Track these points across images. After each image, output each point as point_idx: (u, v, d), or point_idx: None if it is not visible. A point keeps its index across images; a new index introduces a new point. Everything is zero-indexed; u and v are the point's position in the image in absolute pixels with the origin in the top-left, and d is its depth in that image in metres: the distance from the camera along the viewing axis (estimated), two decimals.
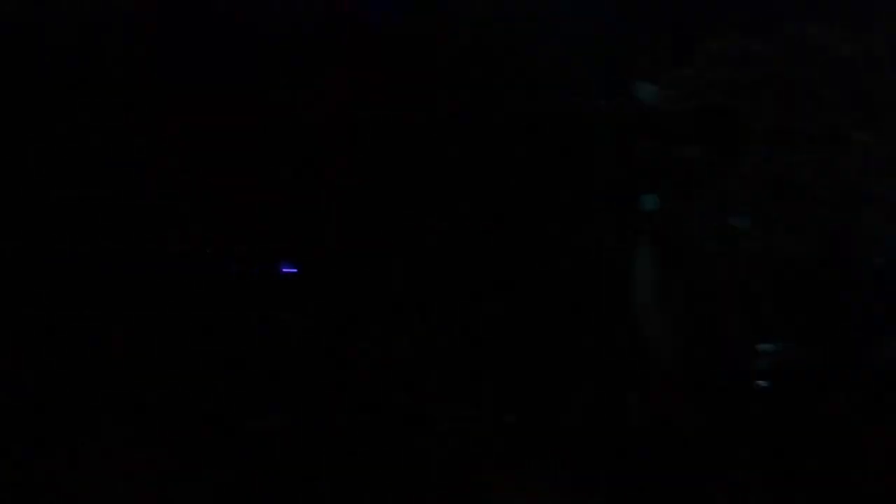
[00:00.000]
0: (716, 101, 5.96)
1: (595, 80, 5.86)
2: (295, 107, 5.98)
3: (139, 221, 5.97)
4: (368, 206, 5.95)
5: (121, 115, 5.93)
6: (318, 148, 5.96)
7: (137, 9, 5.88)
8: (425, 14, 5.93)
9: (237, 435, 5.08)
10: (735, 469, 5.29)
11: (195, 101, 6.01)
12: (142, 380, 5.33)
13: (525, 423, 5.55)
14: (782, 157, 5.95)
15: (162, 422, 5.16)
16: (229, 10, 5.95)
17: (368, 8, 5.89)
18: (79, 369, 5.29)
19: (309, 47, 5.89)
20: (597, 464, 5.40)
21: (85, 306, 5.75)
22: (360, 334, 5.64)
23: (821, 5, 5.85)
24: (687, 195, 6.00)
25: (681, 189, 5.99)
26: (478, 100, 6.00)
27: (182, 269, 5.89)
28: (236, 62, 5.96)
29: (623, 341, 6.00)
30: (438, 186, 6.02)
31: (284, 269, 5.95)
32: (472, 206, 5.99)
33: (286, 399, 5.27)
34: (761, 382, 5.30)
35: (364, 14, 5.91)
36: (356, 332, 5.66)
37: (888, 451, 5.07)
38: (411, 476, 5.21)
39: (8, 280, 5.83)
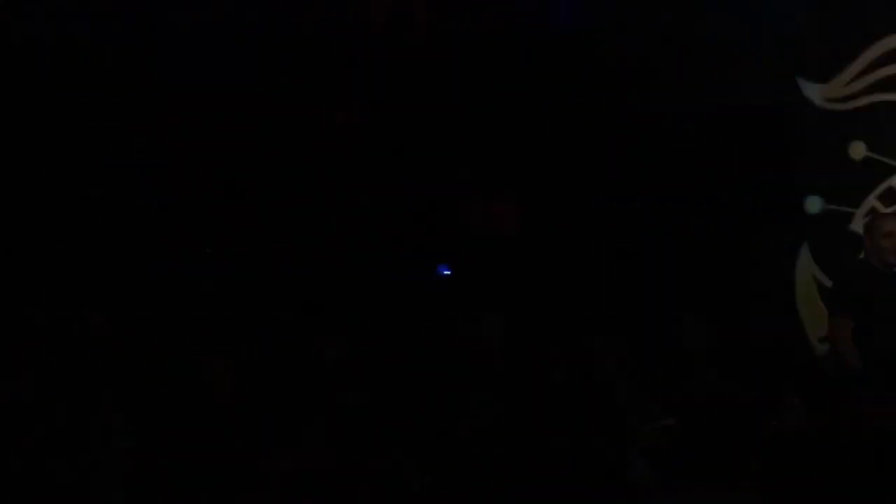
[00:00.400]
0: (883, 99, 5.87)
1: (762, 78, 5.76)
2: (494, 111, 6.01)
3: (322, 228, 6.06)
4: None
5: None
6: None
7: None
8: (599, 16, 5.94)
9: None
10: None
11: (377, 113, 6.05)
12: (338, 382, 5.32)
13: (686, 427, 5.49)
14: None
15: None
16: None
17: (550, 13, 5.93)
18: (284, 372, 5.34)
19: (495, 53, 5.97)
20: (754, 465, 5.33)
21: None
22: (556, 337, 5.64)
23: None
24: (851, 196, 5.93)
25: (846, 190, 5.92)
26: (645, 100, 5.94)
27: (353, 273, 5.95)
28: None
29: (783, 343, 5.91)
30: (609, 185, 6.03)
31: (442, 271, 5.94)
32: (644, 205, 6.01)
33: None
34: None
35: (546, 18, 5.95)
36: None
37: None
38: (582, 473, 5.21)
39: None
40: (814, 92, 5.88)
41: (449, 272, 5.89)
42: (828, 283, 5.86)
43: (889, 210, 5.81)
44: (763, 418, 5.49)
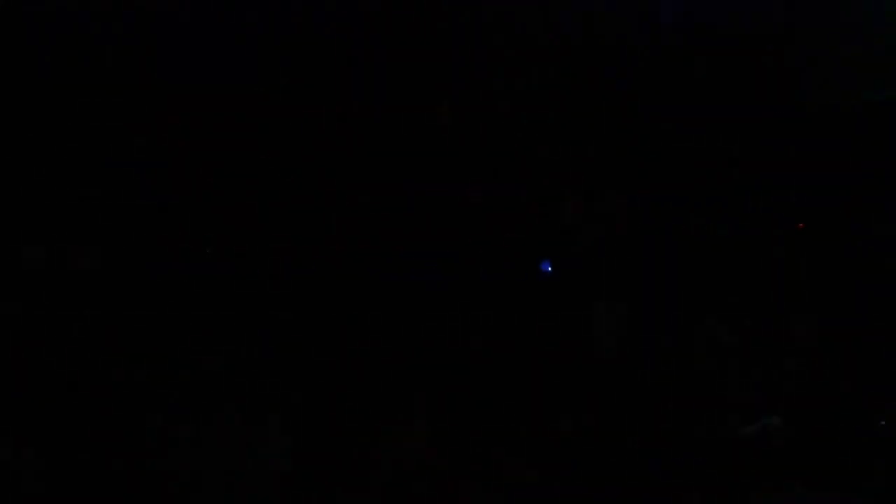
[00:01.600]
0: None
1: None
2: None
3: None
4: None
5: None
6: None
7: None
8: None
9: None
10: None
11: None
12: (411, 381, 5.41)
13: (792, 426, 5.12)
14: None
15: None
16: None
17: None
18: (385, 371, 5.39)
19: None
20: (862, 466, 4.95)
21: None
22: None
23: None
24: None
25: None
26: (784, 95, 5.83)
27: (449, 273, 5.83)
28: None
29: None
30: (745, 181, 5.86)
31: (545, 268, 5.79)
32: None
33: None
34: None
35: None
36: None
37: None
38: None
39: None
40: None
41: (550, 269, 5.81)
42: None
43: None
44: (873, 418, 5.14)
